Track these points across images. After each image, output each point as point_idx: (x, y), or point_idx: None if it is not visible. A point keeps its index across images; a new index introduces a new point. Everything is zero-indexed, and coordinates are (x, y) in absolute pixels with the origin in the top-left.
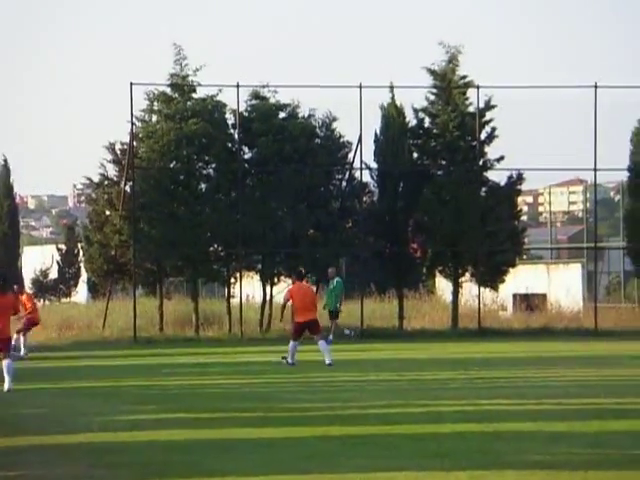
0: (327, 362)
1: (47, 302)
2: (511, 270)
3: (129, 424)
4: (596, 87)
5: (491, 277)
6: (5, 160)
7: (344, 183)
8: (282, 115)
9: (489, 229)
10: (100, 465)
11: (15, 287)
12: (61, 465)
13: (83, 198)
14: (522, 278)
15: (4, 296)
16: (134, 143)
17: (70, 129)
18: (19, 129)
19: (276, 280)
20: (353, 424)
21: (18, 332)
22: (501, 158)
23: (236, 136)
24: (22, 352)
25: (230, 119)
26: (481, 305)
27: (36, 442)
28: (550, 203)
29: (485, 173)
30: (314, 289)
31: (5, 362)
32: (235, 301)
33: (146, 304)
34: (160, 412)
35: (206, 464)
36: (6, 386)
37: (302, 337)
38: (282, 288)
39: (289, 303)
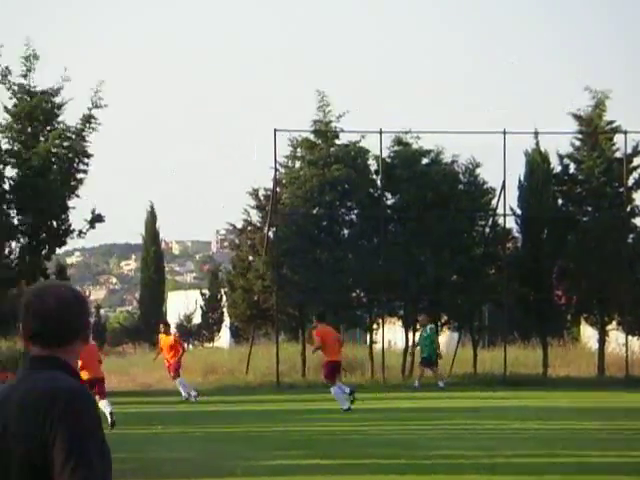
0: (345, 407)
1: (191, 347)
2: None
3: (271, 469)
4: None
5: (639, 325)
6: (152, 206)
7: (487, 229)
8: (425, 161)
9: (637, 276)
10: None
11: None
12: None
13: (226, 244)
14: None
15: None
16: (277, 189)
17: (214, 175)
18: (165, 176)
19: (418, 326)
20: (499, 473)
21: (175, 377)
22: None
23: (379, 182)
24: (193, 393)
25: (373, 165)
26: (629, 353)
27: None
28: None
29: (633, 220)
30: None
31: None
32: (377, 347)
33: (288, 349)
34: (302, 458)
35: None
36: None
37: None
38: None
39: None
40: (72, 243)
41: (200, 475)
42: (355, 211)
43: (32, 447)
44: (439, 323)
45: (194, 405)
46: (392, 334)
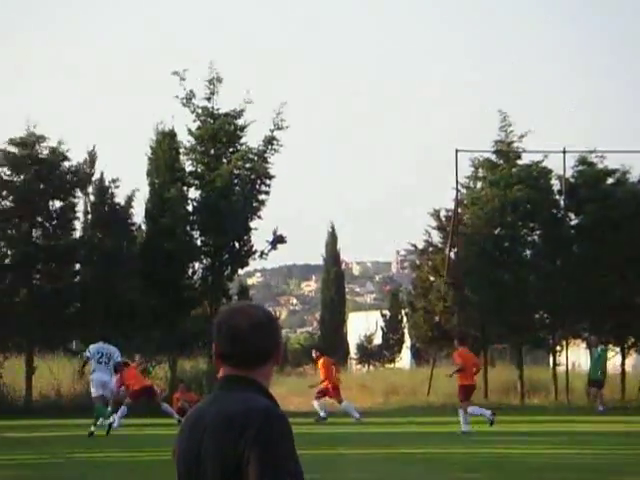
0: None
1: (372, 367)
2: None
3: None
4: None
5: None
6: (332, 227)
7: None
8: (610, 181)
9: None
10: None
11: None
12: None
13: (406, 264)
14: None
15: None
16: (459, 209)
17: (394, 196)
18: (346, 197)
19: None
20: None
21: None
22: None
23: (562, 202)
24: (322, 414)
25: (556, 185)
26: None
27: None
28: None
29: None
30: None
31: None
32: (561, 369)
33: None
34: None
35: None
36: None
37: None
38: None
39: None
40: (253, 264)
41: None
42: (537, 232)
43: (226, 468)
44: (625, 345)
45: (377, 426)
46: (576, 356)
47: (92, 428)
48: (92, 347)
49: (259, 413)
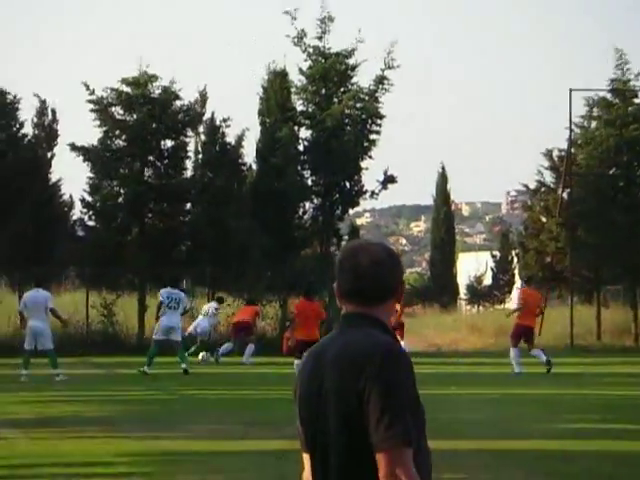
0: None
1: (481, 308)
2: None
3: (571, 432)
4: None
5: None
6: (443, 167)
7: None
8: None
9: None
10: (541, 472)
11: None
12: (501, 470)
13: (517, 205)
14: None
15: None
16: (572, 150)
17: (506, 136)
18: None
19: None
20: None
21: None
22: None
23: None
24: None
25: None
26: None
27: (476, 446)
28: None
29: None
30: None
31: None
32: None
33: (583, 312)
34: (603, 422)
35: None
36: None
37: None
38: None
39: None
40: (363, 204)
41: (495, 437)
42: None
43: (348, 403)
44: None
45: (487, 366)
46: None
47: (144, 368)
48: (163, 292)
49: (381, 350)
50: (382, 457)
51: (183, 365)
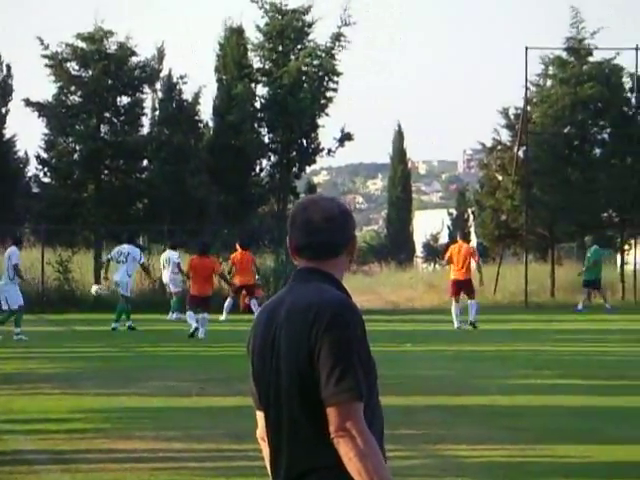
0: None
1: (437, 266)
2: None
3: (525, 388)
4: None
5: None
6: (399, 125)
7: None
8: None
9: None
10: (499, 427)
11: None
12: (460, 425)
13: (473, 163)
14: None
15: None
16: (528, 108)
17: (463, 94)
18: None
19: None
20: None
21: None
22: None
23: (633, 100)
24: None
25: (627, 83)
26: None
27: (431, 402)
28: None
29: None
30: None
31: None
32: (629, 268)
33: (537, 270)
34: (555, 377)
35: (606, 431)
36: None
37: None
38: None
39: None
40: (320, 162)
41: (454, 393)
42: (607, 130)
43: (299, 357)
44: None
45: (441, 324)
46: None
47: (114, 324)
48: (114, 249)
49: (332, 304)
50: (332, 411)
51: (127, 324)
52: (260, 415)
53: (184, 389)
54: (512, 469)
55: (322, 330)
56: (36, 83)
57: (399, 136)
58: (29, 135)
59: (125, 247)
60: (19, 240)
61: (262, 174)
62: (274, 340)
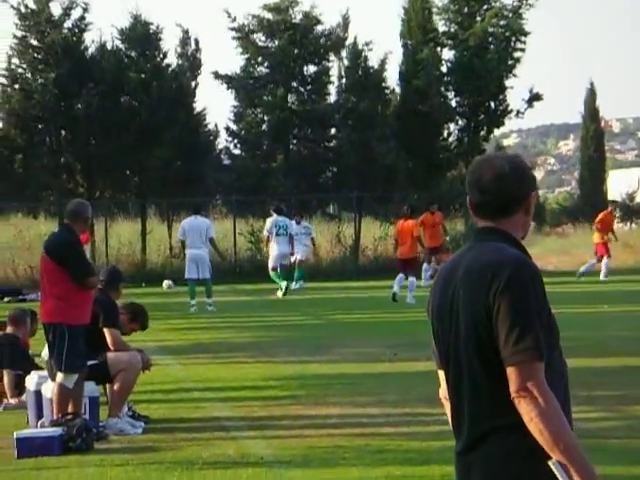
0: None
1: (634, 225)
2: None
3: None
4: None
5: None
6: (591, 84)
7: None
8: None
9: None
10: None
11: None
12: None
13: None
14: None
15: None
16: None
17: None
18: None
19: None
20: None
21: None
22: None
23: None
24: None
25: None
26: None
27: (631, 363)
28: None
29: None
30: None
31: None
32: None
33: None
34: None
35: None
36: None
37: None
38: None
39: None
40: (509, 124)
41: None
42: None
43: (477, 317)
44: None
45: (638, 285)
46: None
47: (279, 293)
48: (268, 222)
49: (509, 263)
50: (512, 371)
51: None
52: (442, 374)
53: (377, 355)
54: None
55: (500, 289)
56: (224, 56)
57: (591, 94)
58: (219, 108)
59: (281, 219)
60: (199, 209)
61: (450, 138)
62: (453, 300)
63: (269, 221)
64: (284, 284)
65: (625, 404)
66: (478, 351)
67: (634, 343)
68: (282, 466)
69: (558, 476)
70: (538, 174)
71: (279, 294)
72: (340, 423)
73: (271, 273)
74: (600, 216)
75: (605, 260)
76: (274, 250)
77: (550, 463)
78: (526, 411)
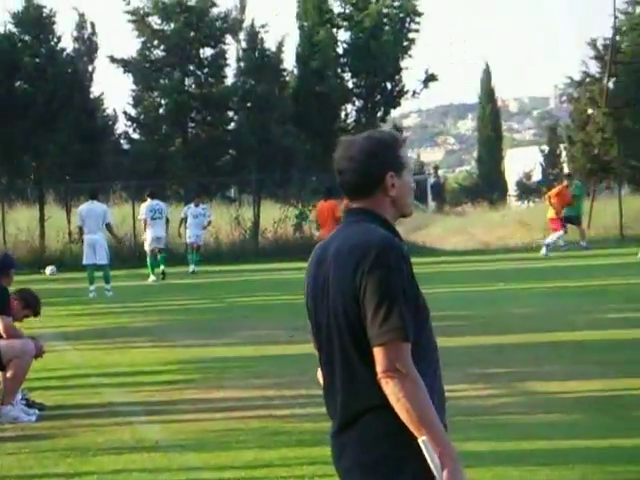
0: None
1: (531, 204)
2: None
3: (617, 322)
4: None
5: None
6: (486, 64)
7: None
8: None
9: None
10: (589, 362)
11: None
12: (551, 362)
13: (564, 98)
14: None
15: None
16: (617, 37)
17: (550, 27)
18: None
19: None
20: None
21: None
22: None
23: None
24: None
25: None
26: None
27: (526, 340)
28: None
29: None
30: None
31: None
32: None
33: (631, 202)
34: None
35: None
36: None
37: None
38: None
39: None
40: (408, 105)
41: (544, 330)
42: None
43: (346, 298)
44: None
45: (533, 262)
46: None
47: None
48: (143, 207)
49: (375, 243)
50: (378, 352)
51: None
52: (319, 355)
53: (273, 337)
54: (603, 403)
55: (367, 270)
56: (120, 39)
57: (487, 75)
58: (119, 93)
59: (155, 202)
60: (95, 194)
61: (348, 120)
62: (325, 280)
63: (144, 206)
64: (161, 269)
65: (518, 380)
66: (349, 332)
67: (529, 320)
68: (177, 450)
69: (426, 454)
70: (438, 154)
71: (151, 280)
72: (236, 406)
73: (148, 259)
74: (555, 191)
75: (557, 234)
76: (149, 234)
77: (420, 441)
78: (392, 391)
